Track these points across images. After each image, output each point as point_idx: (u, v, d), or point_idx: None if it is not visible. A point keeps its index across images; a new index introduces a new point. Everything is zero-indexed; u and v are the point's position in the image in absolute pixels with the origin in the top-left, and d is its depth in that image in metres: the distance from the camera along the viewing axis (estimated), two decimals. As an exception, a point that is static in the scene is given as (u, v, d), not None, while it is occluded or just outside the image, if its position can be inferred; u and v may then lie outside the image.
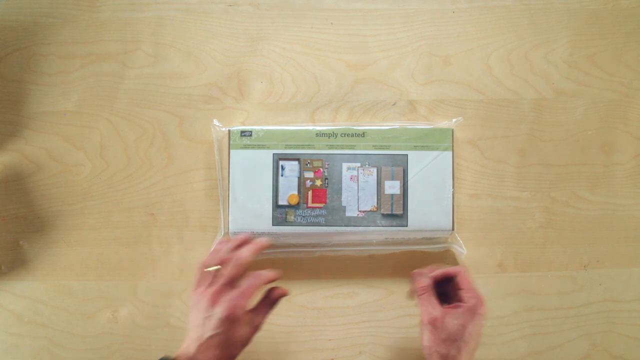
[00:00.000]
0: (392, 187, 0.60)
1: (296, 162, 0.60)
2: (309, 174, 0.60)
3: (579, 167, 0.65)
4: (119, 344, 0.63)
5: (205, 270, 0.52)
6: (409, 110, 0.65)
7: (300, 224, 0.59)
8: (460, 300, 0.51)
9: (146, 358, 0.63)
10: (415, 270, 0.55)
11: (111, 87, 0.66)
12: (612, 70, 0.66)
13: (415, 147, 0.60)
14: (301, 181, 0.60)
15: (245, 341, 0.50)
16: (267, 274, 0.52)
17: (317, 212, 0.59)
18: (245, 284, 0.50)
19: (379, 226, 0.59)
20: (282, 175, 0.60)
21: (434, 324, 0.49)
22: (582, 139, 0.65)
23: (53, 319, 0.63)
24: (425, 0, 0.67)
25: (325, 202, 0.59)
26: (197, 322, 0.49)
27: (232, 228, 0.59)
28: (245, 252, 0.52)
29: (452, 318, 0.49)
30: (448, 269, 0.54)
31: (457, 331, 0.49)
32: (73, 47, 0.66)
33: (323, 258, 0.63)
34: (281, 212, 0.59)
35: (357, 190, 0.60)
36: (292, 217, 0.59)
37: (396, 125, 0.62)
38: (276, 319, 0.63)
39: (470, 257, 0.63)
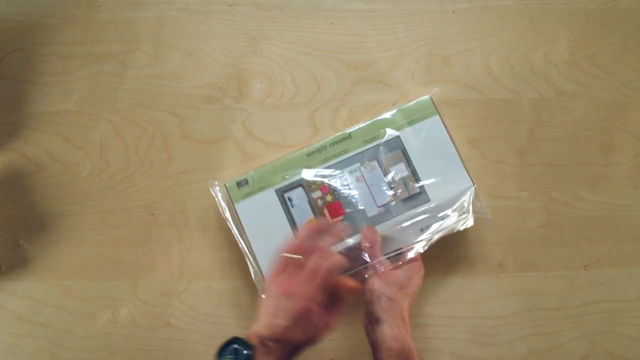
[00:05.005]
0: (399, 170, 0.59)
1: (300, 189, 0.59)
2: (317, 194, 0.59)
3: (579, 167, 0.65)
4: (119, 344, 0.63)
5: (285, 255, 0.51)
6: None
7: None
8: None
9: (146, 358, 0.63)
10: (364, 227, 0.57)
11: (111, 87, 0.66)
12: (612, 70, 0.66)
13: (403, 126, 0.60)
14: (312, 204, 0.59)
15: (314, 337, 0.49)
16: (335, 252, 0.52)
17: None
18: (320, 273, 0.49)
19: (404, 212, 0.58)
20: (292, 207, 0.59)
21: (380, 265, 0.54)
22: (582, 139, 0.65)
23: (53, 319, 0.63)
24: (425, 0, 0.67)
25: (344, 213, 0.59)
26: (270, 310, 0.48)
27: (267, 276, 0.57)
28: (328, 241, 0.53)
29: (402, 270, 0.55)
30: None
31: (403, 279, 0.55)
32: (73, 47, 0.66)
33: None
34: None
35: (368, 188, 0.59)
36: None
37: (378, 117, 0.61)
38: (276, 319, 0.63)
39: (470, 257, 0.63)
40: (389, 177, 0.59)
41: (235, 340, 0.46)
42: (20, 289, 0.64)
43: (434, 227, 0.58)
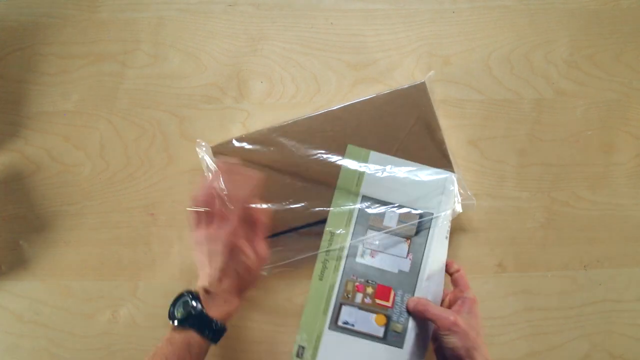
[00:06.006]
0: (389, 217, 0.59)
1: (344, 307, 0.57)
2: (359, 297, 0.57)
3: (579, 167, 0.65)
4: (119, 344, 0.63)
5: (194, 209, 0.53)
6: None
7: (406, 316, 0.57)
8: (455, 298, 0.55)
9: (146, 358, 0.63)
10: (409, 300, 0.57)
11: (111, 87, 0.66)
12: (612, 70, 0.66)
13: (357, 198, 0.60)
14: (364, 307, 0.57)
15: (251, 269, 0.52)
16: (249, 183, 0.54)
17: (400, 297, 0.57)
18: (233, 214, 0.52)
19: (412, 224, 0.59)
20: (354, 326, 0.57)
21: (455, 325, 0.50)
22: (582, 139, 0.65)
23: (53, 319, 0.63)
24: (425, 0, 0.67)
25: (390, 287, 0.58)
26: (203, 260, 0.52)
27: None
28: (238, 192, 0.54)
29: (465, 314, 0.52)
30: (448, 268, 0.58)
31: (474, 322, 0.52)
32: (73, 47, 0.66)
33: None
34: (389, 333, 0.57)
35: (385, 252, 0.59)
36: (399, 324, 0.57)
37: (372, 95, 0.62)
38: (276, 319, 0.63)
39: (470, 257, 0.63)
40: (389, 227, 0.59)
41: (184, 293, 0.50)
42: (20, 289, 0.64)
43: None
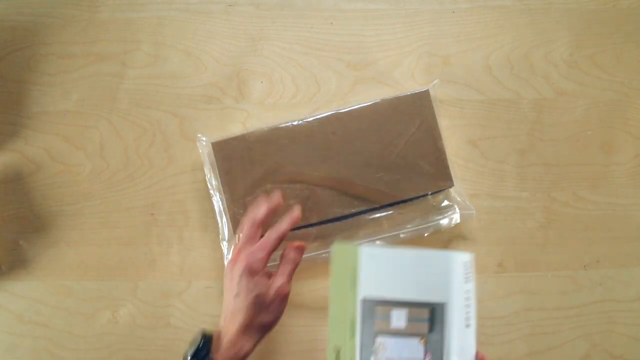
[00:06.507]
0: (398, 318, 0.51)
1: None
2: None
3: (579, 167, 0.65)
4: (119, 344, 0.63)
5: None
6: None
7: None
8: None
9: (146, 358, 0.63)
10: None
11: (111, 87, 0.66)
12: (612, 70, 0.66)
13: None
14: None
15: (274, 304, 0.51)
16: (271, 210, 0.53)
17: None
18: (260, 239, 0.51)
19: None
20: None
21: None
22: (582, 139, 0.65)
23: (53, 319, 0.63)
24: (425, 0, 0.67)
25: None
26: (226, 294, 0.52)
27: None
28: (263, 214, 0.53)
29: None
30: None
31: None
32: (73, 47, 0.66)
33: (323, 258, 0.63)
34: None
35: (399, 357, 0.50)
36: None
37: (375, 100, 0.61)
38: (276, 319, 0.63)
39: (470, 257, 0.63)
40: (399, 329, 0.50)
41: (199, 336, 0.50)
42: (20, 289, 0.64)
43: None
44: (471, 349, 0.49)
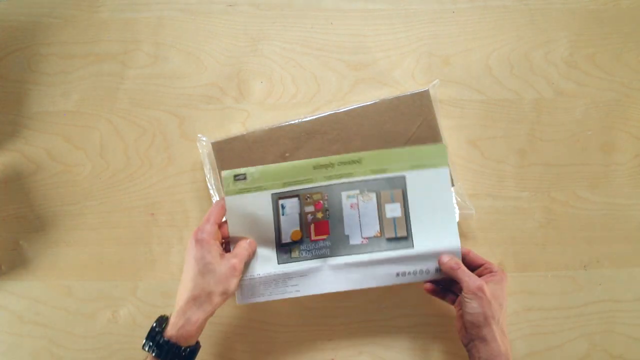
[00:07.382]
0: (393, 210, 0.57)
1: (296, 199, 0.57)
2: (310, 208, 0.57)
3: (579, 167, 0.65)
4: (119, 344, 0.63)
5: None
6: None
7: (306, 258, 0.57)
8: (484, 271, 0.55)
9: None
10: (442, 255, 0.56)
11: (111, 87, 0.66)
12: (612, 70, 0.66)
13: (412, 167, 0.57)
14: (302, 217, 0.57)
15: (224, 275, 0.51)
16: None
17: (321, 244, 0.57)
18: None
19: (384, 251, 0.57)
20: (283, 215, 0.57)
21: (481, 290, 0.51)
22: (582, 139, 0.65)
23: (53, 319, 0.63)
24: (425, 0, 0.67)
25: (328, 234, 0.57)
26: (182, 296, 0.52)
27: None
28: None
29: (492, 284, 0.53)
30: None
31: (500, 294, 0.53)
32: (73, 47, 0.66)
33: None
34: (285, 250, 0.57)
35: (359, 217, 0.57)
36: (297, 253, 0.57)
37: (375, 100, 0.62)
38: (276, 319, 0.63)
39: (470, 257, 0.63)
40: (382, 212, 0.57)
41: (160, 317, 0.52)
42: (20, 289, 0.64)
43: (409, 277, 0.57)
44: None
